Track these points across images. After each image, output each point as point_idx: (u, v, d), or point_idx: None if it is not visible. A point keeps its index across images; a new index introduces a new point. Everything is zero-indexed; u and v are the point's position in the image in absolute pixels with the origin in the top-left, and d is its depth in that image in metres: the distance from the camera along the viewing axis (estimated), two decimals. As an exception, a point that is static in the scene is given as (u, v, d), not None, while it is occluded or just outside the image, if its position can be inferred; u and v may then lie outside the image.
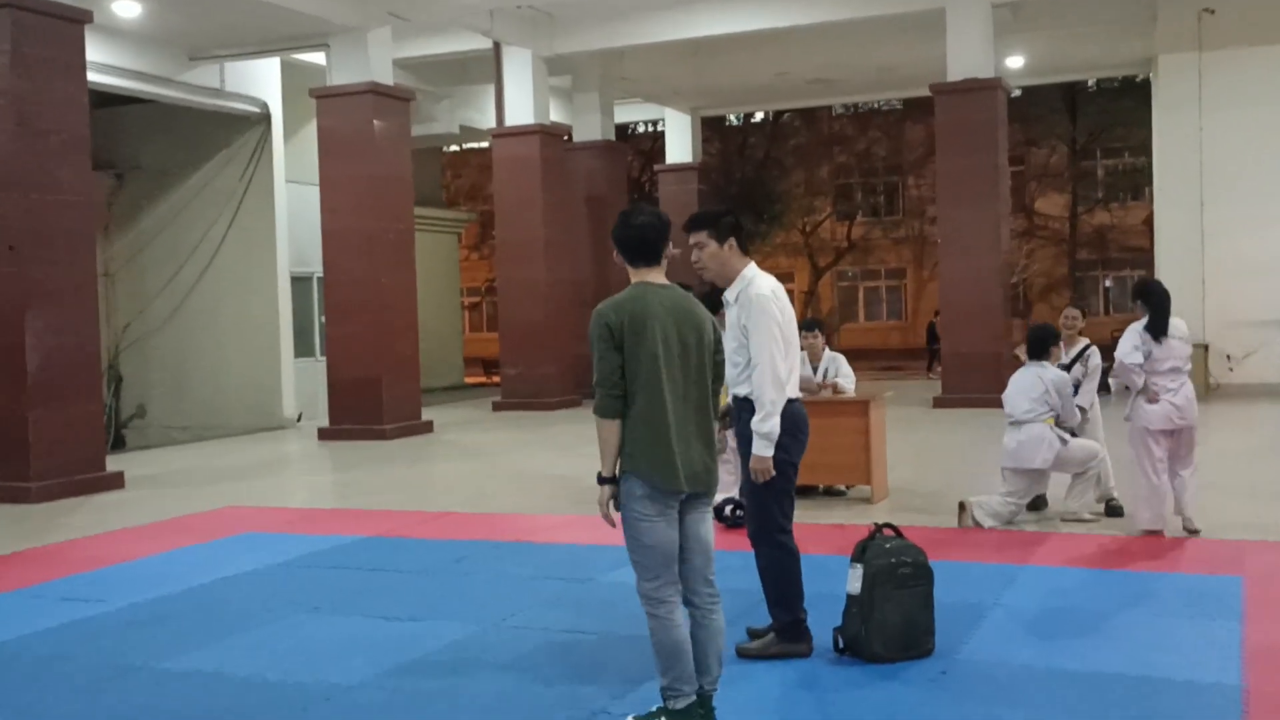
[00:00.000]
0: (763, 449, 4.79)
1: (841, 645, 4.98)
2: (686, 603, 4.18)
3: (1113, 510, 7.98)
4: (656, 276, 4.18)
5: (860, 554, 4.97)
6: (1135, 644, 5.18)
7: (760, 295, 4.81)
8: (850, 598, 4.94)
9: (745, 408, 4.88)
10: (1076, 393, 8.02)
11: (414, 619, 5.91)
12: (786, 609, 5.01)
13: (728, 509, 7.80)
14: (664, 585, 4.08)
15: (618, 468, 4.08)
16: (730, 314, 4.95)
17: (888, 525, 5.15)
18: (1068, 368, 8.11)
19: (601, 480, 4.11)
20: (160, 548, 7.96)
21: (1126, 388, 7.46)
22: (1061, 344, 8.10)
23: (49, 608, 6.36)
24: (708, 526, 4.21)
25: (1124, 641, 5.21)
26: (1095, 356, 8.28)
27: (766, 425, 4.76)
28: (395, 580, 6.78)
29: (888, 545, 4.99)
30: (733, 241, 4.90)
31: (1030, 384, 7.80)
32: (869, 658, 4.88)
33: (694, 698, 4.10)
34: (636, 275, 4.19)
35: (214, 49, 15.57)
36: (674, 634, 4.06)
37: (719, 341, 4.28)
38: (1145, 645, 5.15)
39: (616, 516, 4.15)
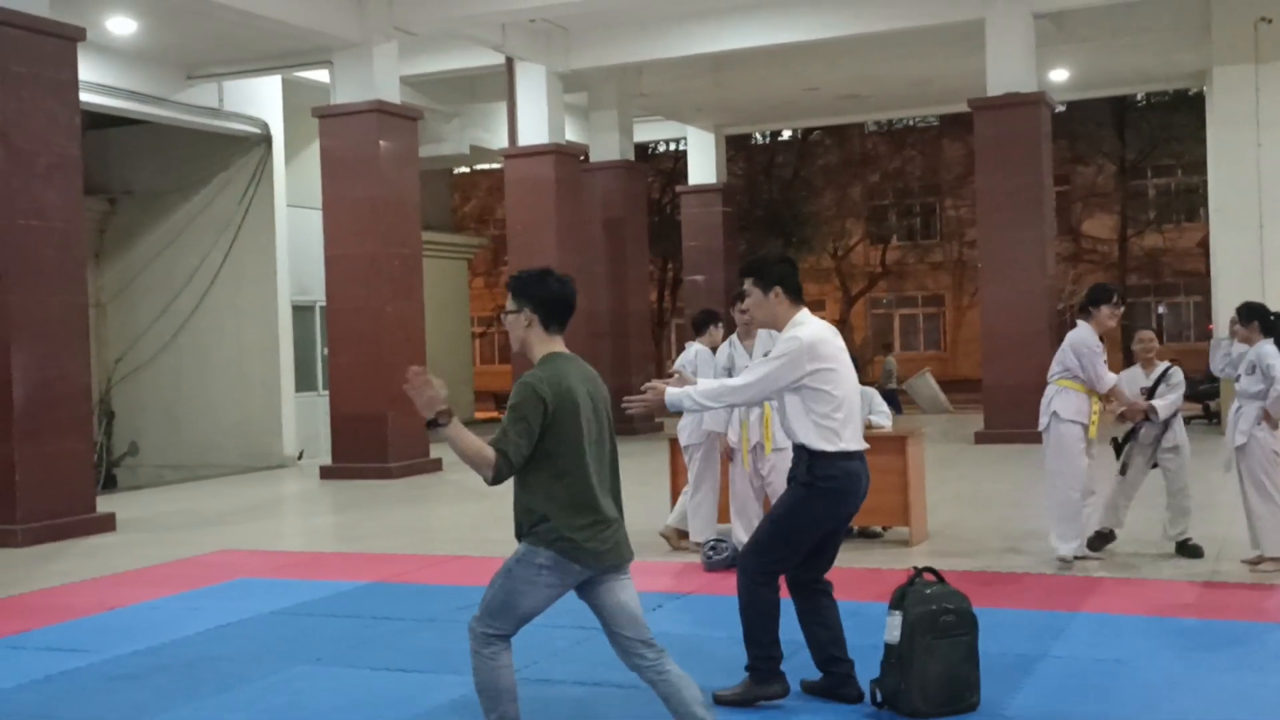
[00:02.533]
0: (676, 399, 4.98)
1: (880, 699, 4.91)
2: (635, 669, 4.29)
3: (1190, 550, 7.85)
4: (561, 347, 4.35)
5: (899, 601, 4.90)
6: (1201, 701, 5.06)
7: (792, 337, 4.94)
8: (889, 647, 4.87)
9: (800, 455, 4.99)
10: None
11: (419, 671, 5.86)
12: (756, 644, 5.02)
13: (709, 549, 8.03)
14: (500, 636, 4.26)
15: (534, 536, 4.19)
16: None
17: (928, 570, 5.07)
18: (1150, 392, 8.07)
19: (435, 424, 4.15)
20: (150, 595, 7.93)
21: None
22: (1140, 366, 8.21)
23: (30, 659, 6.33)
24: (629, 593, 4.30)
25: (1187, 699, 5.10)
26: (1177, 374, 8.19)
27: (700, 397, 4.97)
28: (399, 630, 6.72)
29: (928, 591, 4.91)
30: (779, 290, 5.02)
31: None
32: (909, 713, 4.80)
33: None
34: (547, 344, 4.32)
35: (212, 67, 15.70)
36: (502, 673, 4.23)
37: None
38: (1212, 703, 5.04)
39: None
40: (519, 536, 4.27)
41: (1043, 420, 7.87)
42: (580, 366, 4.33)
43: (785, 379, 4.91)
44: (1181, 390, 8.17)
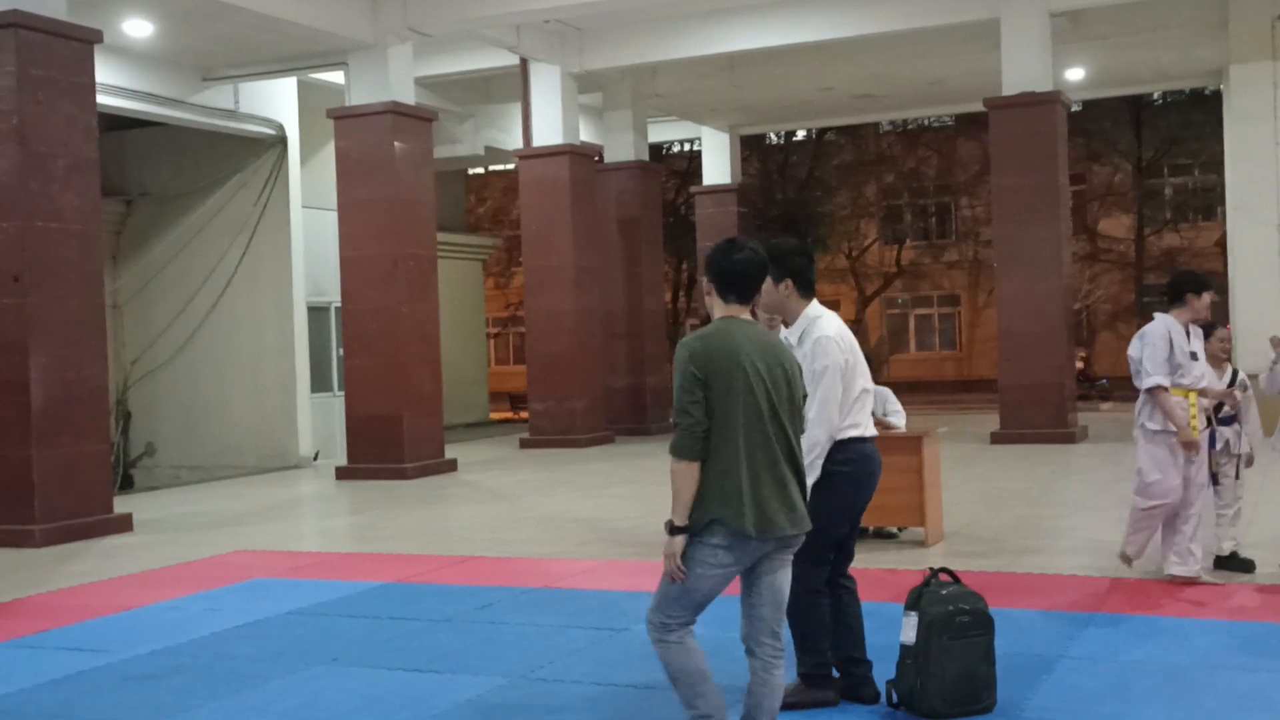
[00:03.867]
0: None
1: (895, 700, 4.90)
2: (748, 653, 4.20)
3: (1240, 565, 7.41)
4: (744, 313, 4.23)
5: (915, 601, 4.89)
6: (1220, 702, 5.04)
7: (825, 337, 4.94)
8: (904, 648, 4.86)
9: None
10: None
11: (435, 671, 5.87)
12: (816, 652, 5.02)
13: None
14: (680, 629, 4.12)
15: (695, 515, 4.01)
16: (799, 351, 5.01)
17: (944, 570, 5.06)
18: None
19: (674, 530, 4.04)
20: (167, 595, 7.97)
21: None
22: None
23: (48, 659, 6.36)
24: (785, 575, 4.19)
25: (1206, 699, 5.08)
26: (1247, 382, 7.73)
27: (813, 474, 4.84)
28: (415, 630, 6.74)
29: (944, 592, 4.90)
30: (789, 283, 5.01)
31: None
32: (926, 714, 4.79)
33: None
34: (724, 310, 4.21)
35: (228, 69, 15.76)
36: (693, 656, 4.09)
37: (801, 382, 4.31)
38: (1231, 704, 5.02)
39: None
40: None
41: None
42: (754, 332, 4.18)
43: (839, 385, 4.93)
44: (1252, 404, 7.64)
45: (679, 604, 4.10)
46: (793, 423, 4.17)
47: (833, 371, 4.93)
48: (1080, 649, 5.83)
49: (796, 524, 4.11)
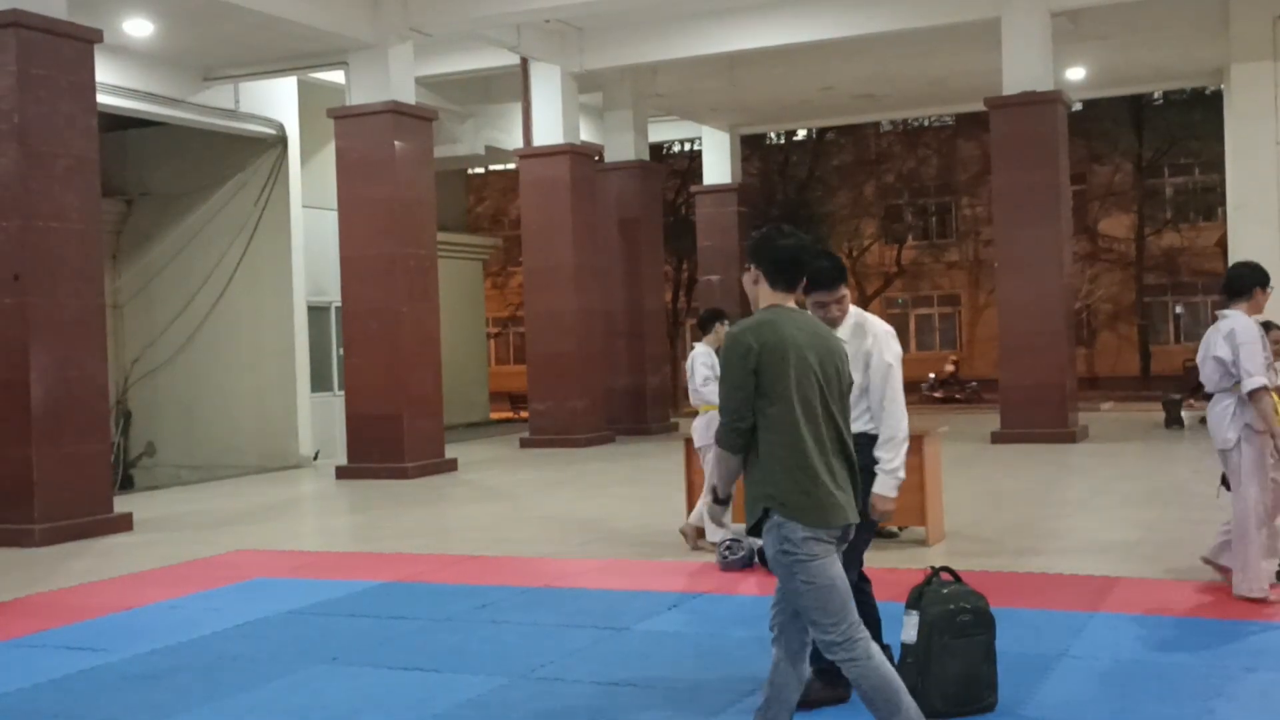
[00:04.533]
0: (892, 488, 4.88)
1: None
2: (775, 643, 4.14)
3: None
4: (789, 300, 4.16)
5: (916, 600, 4.89)
6: (1221, 702, 5.04)
7: (888, 331, 5.00)
8: (905, 647, 4.86)
9: (859, 441, 4.91)
10: None
11: (436, 671, 5.86)
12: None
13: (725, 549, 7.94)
14: (850, 627, 3.98)
15: (766, 512, 4.01)
16: (848, 345, 4.95)
17: (945, 569, 5.06)
18: None
19: (717, 499, 4.24)
20: (167, 595, 7.96)
21: None
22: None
23: (48, 659, 6.36)
24: (838, 566, 4.10)
25: (1207, 699, 5.07)
26: None
27: (898, 462, 4.88)
28: (416, 629, 6.73)
29: (945, 591, 4.90)
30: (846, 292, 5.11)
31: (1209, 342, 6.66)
32: (927, 713, 4.78)
33: None
34: (772, 298, 4.12)
35: (228, 69, 15.75)
36: (884, 670, 3.98)
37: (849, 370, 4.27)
38: (1233, 704, 5.02)
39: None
40: (753, 531, 4.07)
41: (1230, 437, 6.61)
42: (804, 321, 4.12)
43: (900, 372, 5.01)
44: None
45: (825, 611, 3.96)
46: (843, 413, 4.14)
47: (899, 365, 4.99)
48: (1081, 648, 5.83)
49: (852, 515, 4.09)
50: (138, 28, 14.00)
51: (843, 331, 4.97)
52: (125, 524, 10.97)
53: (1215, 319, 6.80)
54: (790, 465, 3.96)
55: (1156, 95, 31.38)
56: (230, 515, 11.95)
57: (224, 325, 17.11)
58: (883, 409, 4.93)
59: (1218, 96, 21.60)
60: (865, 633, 4.02)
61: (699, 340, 9.07)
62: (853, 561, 5.08)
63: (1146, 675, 5.38)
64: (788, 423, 3.96)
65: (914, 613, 4.85)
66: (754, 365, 3.96)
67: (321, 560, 9.26)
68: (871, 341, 4.97)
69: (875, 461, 4.91)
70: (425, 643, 6.44)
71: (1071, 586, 7.24)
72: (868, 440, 4.94)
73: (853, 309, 5.09)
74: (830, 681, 5.01)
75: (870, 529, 5.02)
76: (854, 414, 4.88)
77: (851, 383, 4.29)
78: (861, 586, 5.11)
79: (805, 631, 4.12)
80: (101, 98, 12.10)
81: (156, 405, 17.63)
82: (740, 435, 4.00)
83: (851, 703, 5.01)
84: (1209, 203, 33.37)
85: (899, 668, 4.87)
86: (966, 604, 4.87)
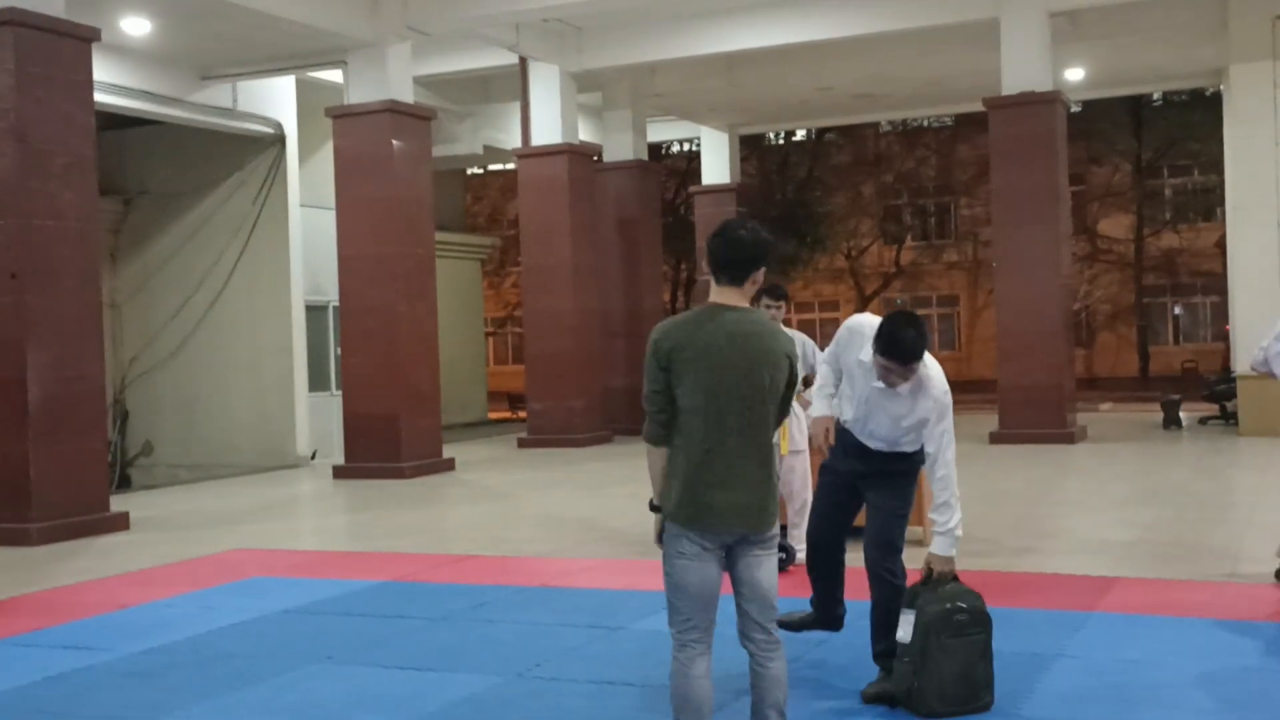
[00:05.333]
0: (949, 548, 4.92)
1: (894, 700, 4.90)
2: (744, 647, 4.15)
3: None
4: (733, 298, 4.08)
5: (912, 600, 4.89)
6: (1218, 702, 5.03)
7: (946, 392, 4.97)
8: (902, 647, 4.85)
9: (899, 459, 5.12)
10: None
11: (431, 670, 5.86)
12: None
13: None
14: (690, 630, 4.02)
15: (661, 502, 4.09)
16: (896, 400, 4.99)
17: None
18: None
19: (652, 507, 4.15)
20: (163, 594, 7.95)
21: None
22: None
23: (44, 657, 6.34)
24: (764, 571, 4.08)
25: (1204, 699, 5.07)
26: None
27: (955, 522, 4.90)
28: (411, 628, 6.73)
29: (942, 590, 4.89)
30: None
31: None
32: (925, 713, 4.78)
33: None
34: (715, 294, 4.10)
35: (226, 67, 15.74)
36: (686, 684, 4.00)
37: (792, 376, 4.14)
38: (1229, 704, 5.01)
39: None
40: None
41: None
42: (730, 320, 4.02)
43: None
44: None
45: (674, 608, 4.05)
46: (756, 417, 4.02)
47: (952, 429, 5.00)
48: (1078, 648, 5.82)
49: (736, 521, 3.99)
50: (136, 26, 13.99)
51: (903, 388, 4.94)
52: (122, 523, 10.96)
53: None
54: (680, 465, 4.01)
55: (1155, 96, 31.39)
56: (227, 514, 11.94)
57: (222, 324, 17.10)
58: (935, 472, 4.94)
59: (1217, 97, 21.61)
60: (702, 648, 4.02)
61: None
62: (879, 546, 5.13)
63: (1143, 675, 5.37)
64: (688, 424, 4.01)
65: (910, 612, 4.84)
66: (664, 363, 4.01)
67: (318, 559, 9.25)
68: (931, 405, 4.94)
69: (900, 465, 5.08)
70: (421, 642, 6.44)
71: (1069, 586, 7.24)
72: (903, 455, 5.11)
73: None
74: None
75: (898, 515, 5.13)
76: (897, 443, 5.07)
77: (792, 382, 4.13)
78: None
79: (766, 630, 4.11)
80: (99, 96, 12.08)
81: (154, 404, 17.62)
82: (661, 427, 4.06)
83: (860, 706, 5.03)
84: (1208, 204, 33.38)
85: (896, 666, 4.87)
86: (963, 603, 4.86)
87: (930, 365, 4.97)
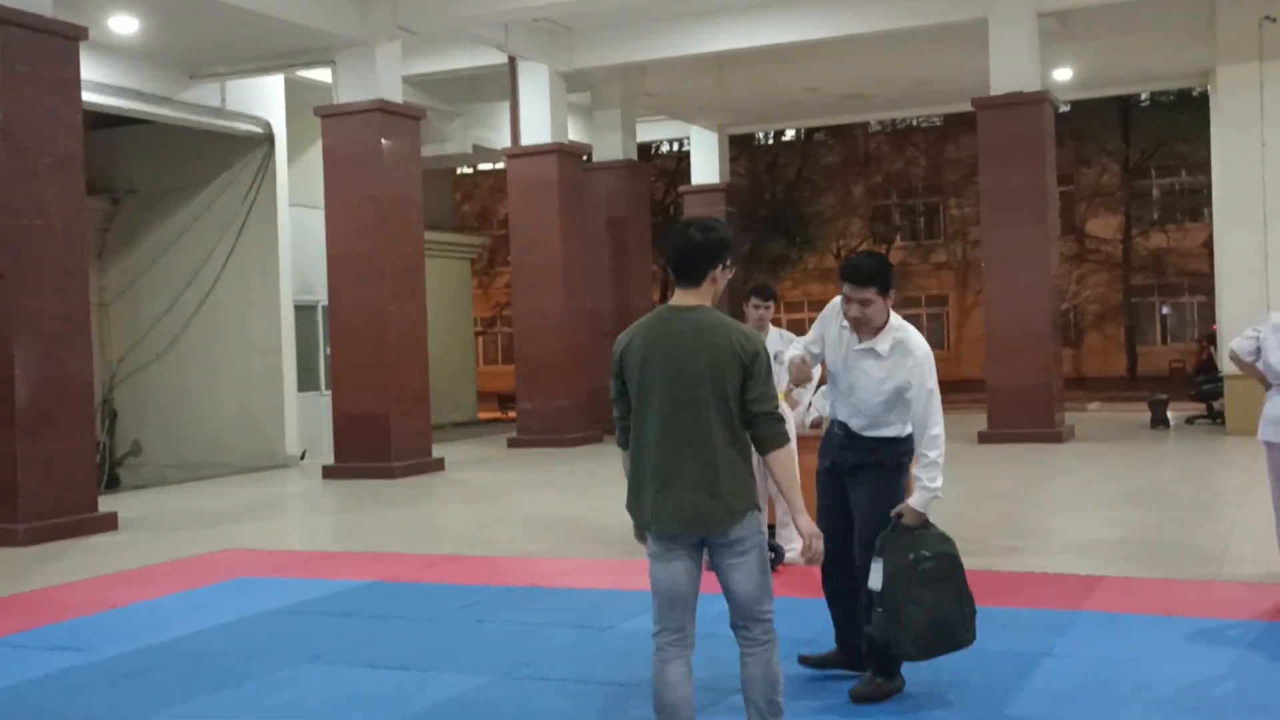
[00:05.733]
0: (924, 504, 4.93)
1: (871, 647, 4.98)
2: (736, 638, 4.15)
3: None
4: (690, 298, 4.07)
5: (880, 548, 4.89)
6: (1198, 696, 5.05)
7: (929, 354, 4.98)
8: (874, 595, 4.87)
9: (879, 441, 5.07)
10: None
11: (418, 669, 5.85)
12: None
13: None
14: (662, 631, 4.07)
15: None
16: (877, 365, 5.01)
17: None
18: None
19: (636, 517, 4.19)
20: (151, 594, 7.93)
21: None
22: None
23: (31, 658, 6.32)
24: (735, 574, 4.05)
25: (1189, 698, 5.09)
26: None
27: (939, 483, 4.94)
28: (399, 628, 6.72)
29: (907, 539, 4.89)
30: (892, 294, 5.07)
31: None
32: (901, 658, 4.91)
33: None
34: (676, 295, 4.11)
35: (215, 66, 15.70)
36: (661, 687, 4.03)
37: (758, 366, 4.00)
38: (1212, 699, 5.03)
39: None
40: None
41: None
42: (687, 319, 4.01)
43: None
44: None
45: (653, 608, 4.08)
46: (706, 415, 3.96)
47: (938, 390, 5.00)
48: (1064, 647, 5.84)
49: (683, 523, 3.98)
50: (123, 25, 13.94)
51: (882, 347, 4.97)
52: (110, 523, 10.93)
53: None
54: (630, 467, 4.12)
55: (1143, 97, 31.49)
56: (215, 514, 11.91)
57: (210, 324, 17.05)
58: (923, 432, 4.95)
59: (1204, 98, 21.66)
60: (675, 650, 4.04)
61: None
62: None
63: (1129, 674, 5.39)
64: (635, 427, 4.08)
65: (879, 560, 4.86)
66: (616, 368, 4.12)
67: (306, 559, 9.24)
68: (913, 365, 4.95)
69: (881, 456, 5.07)
70: (408, 641, 6.43)
71: (1055, 585, 7.25)
72: (886, 442, 5.06)
73: (896, 322, 5.04)
74: (893, 675, 5.09)
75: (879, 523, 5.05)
76: (869, 422, 5.05)
77: (748, 376, 3.98)
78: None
79: (748, 628, 4.10)
80: (87, 95, 12.06)
81: (142, 404, 17.57)
82: (623, 431, 4.17)
83: (903, 696, 5.07)
84: (1195, 204, 33.48)
85: (871, 615, 4.88)
86: (927, 550, 4.86)
87: (911, 330, 5.06)
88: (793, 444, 4.54)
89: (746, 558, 4.03)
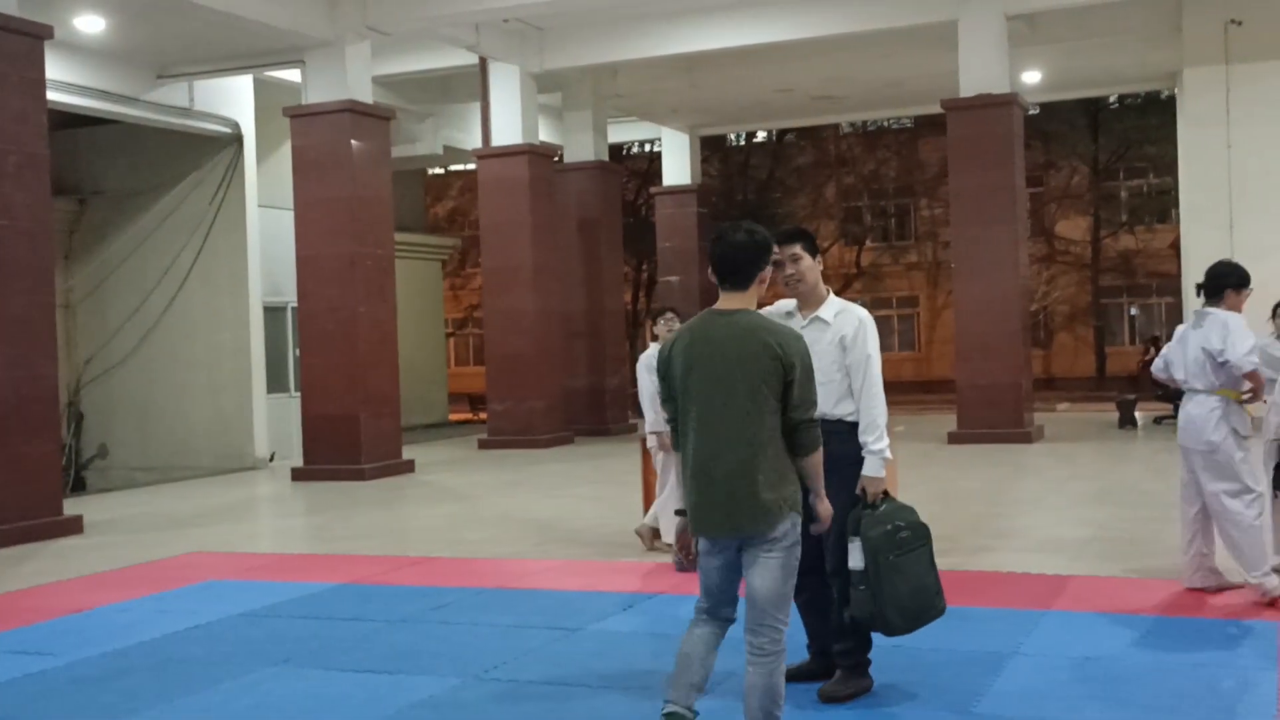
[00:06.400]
0: (878, 468, 4.94)
1: (849, 621, 5.00)
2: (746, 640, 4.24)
3: None
4: (736, 302, 4.19)
5: (856, 527, 4.92)
6: (1165, 694, 5.10)
7: (870, 319, 5.06)
8: (855, 574, 4.88)
9: (837, 429, 4.94)
10: None
11: (389, 672, 5.83)
12: (865, 642, 5.15)
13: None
14: (699, 610, 4.27)
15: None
16: (826, 333, 5.02)
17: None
18: None
19: (677, 512, 4.40)
20: (118, 597, 7.87)
21: None
22: None
23: (-5, 662, 6.27)
24: (757, 575, 4.09)
25: (1155, 695, 5.13)
26: None
27: (884, 443, 4.95)
28: (369, 631, 6.69)
29: (881, 510, 4.95)
30: (821, 259, 5.14)
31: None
32: (887, 632, 4.93)
33: (678, 711, 4.14)
34: (721, 298, 4.24)
35: (183, 66, 15.61)
36: (685, 639, 4.25)
37: (799, 372, 4.09)
38: (1176, 695, 5.08)
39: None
40: None
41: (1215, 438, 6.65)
42: (725, 324, 4.13)
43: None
44: None
45: (702, 594, 4.26)
46: (751, 418, 4.05)
47: (878, 354, 5.05)
48: (1033, 645, 5.87)
49: (717, 525, 4.10)
50: (89, 24, 13.84)
51: (827, 314, 5.03)
52: (76, 526, 10.84)
53: (1195, 319, 6.87)
54: (681, 467, 4.25)
55: (1111, 99, 31.74)
56: (183, 517, 11.83)
57: (179, 326, 16.94)
58: (863, 396, 4.98)
59: (1171, 101, 21.87)
60: (706, 618, 4.23)
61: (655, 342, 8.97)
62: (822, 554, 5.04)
63: (1097, 672, 5.43)
64: (681, 430, 4.23)
65: (856, 539, 4.89)
66: (663, 372, 4.25)
67: (275, 562, 9.19)
68: (857, 324, 5.01)
69: (862, 446, 5.00)
70: (378, 644, 6.40)
71: (1025, 584, 7.30)
72: (845, 431, 4.98)
73: (835, 299, 5.11)
74: (863, 673, 5.13)
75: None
76: (832, 401, 4.98)
77: (789, 378, 4.08)
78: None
79: (755, 634, 4.13)
80: (53, 95, 11.95)
81: (110, 406, 17.44)
82: (674, 433, 4.28)
83: (872, 695, 5.10)
84: (1163, 206, 33.78)
85: (851, 594, 4.89)
86: (902, 520, 4.96)
87: (852, 303, 5.15)
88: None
89: (771, 559, 4.09)
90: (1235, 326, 6.62)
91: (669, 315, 8.47)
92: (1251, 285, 6.90)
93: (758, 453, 4.05)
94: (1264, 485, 6.77)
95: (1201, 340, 6.71)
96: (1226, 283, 6.82)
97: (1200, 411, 6.69)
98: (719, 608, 4.23)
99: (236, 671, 5.92)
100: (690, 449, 4.14)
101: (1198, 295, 6.98)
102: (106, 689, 5.73)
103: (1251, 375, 6.57)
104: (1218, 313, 6.72)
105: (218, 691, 5.61)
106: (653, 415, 8.22)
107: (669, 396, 4.23)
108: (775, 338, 4.09)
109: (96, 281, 17.42)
